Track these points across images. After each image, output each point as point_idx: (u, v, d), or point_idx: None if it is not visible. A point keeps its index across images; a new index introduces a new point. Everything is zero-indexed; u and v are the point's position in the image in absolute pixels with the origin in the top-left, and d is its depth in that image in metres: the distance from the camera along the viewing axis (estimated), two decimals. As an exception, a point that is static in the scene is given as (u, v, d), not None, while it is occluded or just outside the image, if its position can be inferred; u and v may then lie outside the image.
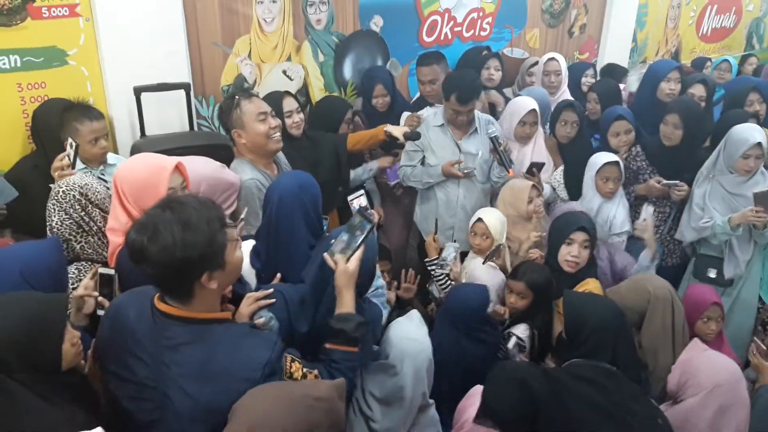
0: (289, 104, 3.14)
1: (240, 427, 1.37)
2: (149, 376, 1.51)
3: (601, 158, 3.32)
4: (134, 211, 2.03)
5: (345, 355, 1.75)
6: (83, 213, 2.18)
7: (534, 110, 3.58)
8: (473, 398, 2.07)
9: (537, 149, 3.67)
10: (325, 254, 1.85)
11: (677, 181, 3.32)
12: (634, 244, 3.32)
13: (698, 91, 3.96)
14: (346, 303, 1.79)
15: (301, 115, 3.20)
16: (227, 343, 1.53)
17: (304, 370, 1.62)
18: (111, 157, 2.82)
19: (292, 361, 1.61)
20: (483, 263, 3.02)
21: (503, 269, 3.02)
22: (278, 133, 2.71)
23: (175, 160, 2.13)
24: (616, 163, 3.28)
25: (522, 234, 3.18)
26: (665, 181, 3.34)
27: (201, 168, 2.35)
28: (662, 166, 3.45)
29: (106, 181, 2.70)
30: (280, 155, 2.92)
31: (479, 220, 3.12)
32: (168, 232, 1.43)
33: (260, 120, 2.64)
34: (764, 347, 2.66)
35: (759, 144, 3.09)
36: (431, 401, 2.23)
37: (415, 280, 3.06)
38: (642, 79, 4.39)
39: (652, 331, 2.52)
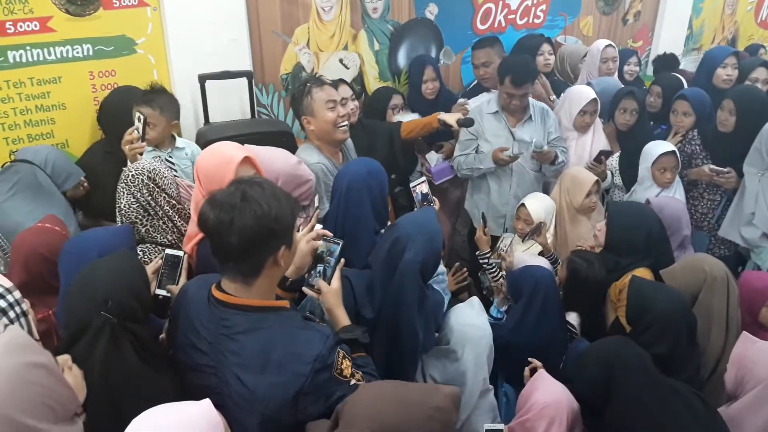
0: (343, 91, 3.17)
1: (360, 428, 1.35)
2: (209, 363, 1.55)
3: (657, 148, 3.28)
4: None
5: (364, 360, 1.78)
6: (149, 197, 2.26)
7: (595, 99, 3.56)
8: (538, 383, 2.09)
9: (596, 138, 3.66)
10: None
11: (726, 168, 3.26)
12: (694, 234, 3.29)
13: (761, 74, 3.85)
14: (340, 320, 1.85)
15: (356, 103, 3.25)
16: (282, 334, 1.53)
17: (353, 369, 1.62)
18: (179, 141, 2.92)
19: (344, 357, 1.59)
20: (522, 241, 3.07)
21: (544, 246, 3.03)
22: (346, 123, 2.75)
23: (244, 152, 2.15)
24: (673, 152, 3.24)
25: (575, 227, 3.17)
26: (715, 167, 3.28)
27: (281, 163, 2.37)
28: (715, 152, 3.39)
29: (173, 164, 2.81)
30: (348, 143, 2.96)
31: (522, 205, 3.16)
32: (259, 202, 1.47)
33: (329, 108, 2.67)
34: None
35: None
36: (490, 387, 2.26)
37: (462, 272, 3.08)
38: (698, 66, 4.32)
39: (706, 312, 2.43)
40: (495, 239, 3.21)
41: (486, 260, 3.08)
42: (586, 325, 2.68)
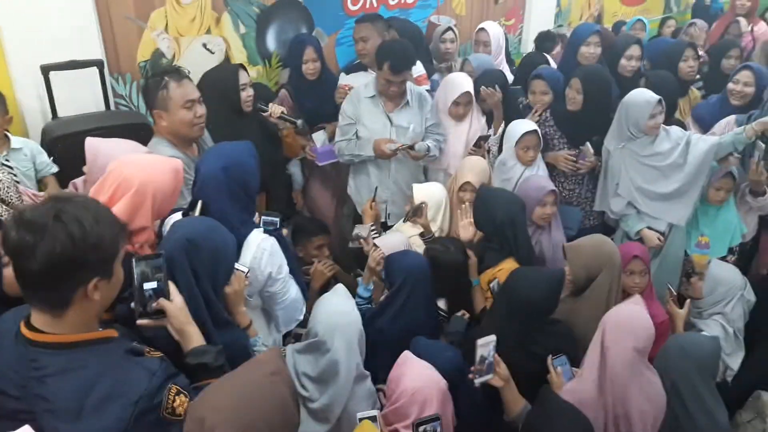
0: (244, 77, 3.03)
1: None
2: (24, 409, 1.36)
3: (519, 128, 3.30)
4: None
5: None
6: None
7: (468, 92, 3.53)
8: (405, 367, 2.08)
9: (474, 125, 3.65)
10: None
11: (582, 151, 3.39)
12: (565, 210, 3.40)
13: (634, 51, 3.98)
14: (192, 339, 1.66)
15: (251, 90, 3.08)
16: (100, 374, 1.36)
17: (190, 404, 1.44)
18: (17, 141, 2.66)
19: (178, 393, 1.43)
20: (404, 221, 3.04)
21: (425, 228, 3.00)
22: (203, 122, 2.58)
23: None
24: (535, 131, 3.28)
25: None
26: (568, 156, 3.40)
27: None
28: (568, 131, 3.49)
29: (11, 168, 2.54)
30: (205, 136, 2.79)
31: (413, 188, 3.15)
32: (78, 221, 1.30)
33: (186, 107, 2.50)
34: (674, 293, 2.80)
35: (659, 101, 3.16)
36: (367, 372, 2.24)
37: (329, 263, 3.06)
38: (566, 44, 4.46)
39: (598, 291, 2.58)
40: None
41: (373, 233, 3.03)
42: (453, 309, 2.71)
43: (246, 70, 3.09)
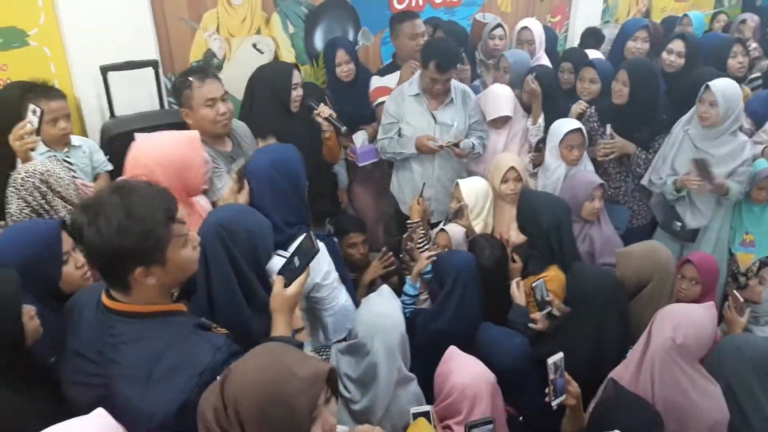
0: (296, 77, 3.11)
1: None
2: (99, 373, 1.45)
3: (562, 127, 3.27)
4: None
5: None
6: (43, 201, 2.11)
7: (506, 116, 3.56)
8: (452, 363, 2.09)
9: (513, 128, 3.66)
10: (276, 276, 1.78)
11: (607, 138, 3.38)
12: (612, 208, 3.37)
13: (677, 46, 3.90)
14: (279, 327, 1.72)
15: (302, 90, 3.16)
16: (169, 344, 1.44)
17: None
18: (75, 139, 2.75)
19: None
20: (444, 224, 3.03)
21: (468, 229, 3.00)
22: (226, 119, 2.66)
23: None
24: (579, 129, 3.26)
25: (500, 213, 3.18)
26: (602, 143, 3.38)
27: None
28: (614, 126, 3.45)
29: (71, 164, 2.65)
30: (240, 129, 2.89)
31: (456, 184, 3.16)
32: (107, 217, 1.37)
33: (208, 105, 2.60)
34: (741, 299, 2.68)
35: (708, 88, 3.11)
36: (411, 376, 2.21)
37: (388, 256, 3.08)
38: (614, 39, 4.41)
39: (647, 300, 2.56)
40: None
41: (424, 240, 3.07)
42: (488, 308, 2.66)
43: (299, 70, 3.16)
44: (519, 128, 3.67)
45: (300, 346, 1.74)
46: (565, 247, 2.82)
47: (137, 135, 2.39)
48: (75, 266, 1.77)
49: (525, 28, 4.28)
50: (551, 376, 2.05)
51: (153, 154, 2.14)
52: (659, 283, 2.55)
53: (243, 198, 2.19)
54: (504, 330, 2.45)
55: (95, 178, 2.77)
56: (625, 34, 4.13)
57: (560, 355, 2.10)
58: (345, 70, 3.63)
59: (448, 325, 2.46)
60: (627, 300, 2.57)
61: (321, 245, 2.14)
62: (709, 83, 3.11)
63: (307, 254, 1.76)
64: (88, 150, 2.75)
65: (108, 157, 2.84)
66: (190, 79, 2.62)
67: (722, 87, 3.10)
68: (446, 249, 2.86)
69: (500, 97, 3.60)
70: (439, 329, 2.44)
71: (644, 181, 3.44)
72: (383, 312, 2.16)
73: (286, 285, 1.73)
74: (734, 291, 2.75)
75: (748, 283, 2.86)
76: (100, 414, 1.22)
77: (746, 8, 6.34)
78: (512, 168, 3.06)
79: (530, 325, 2.56)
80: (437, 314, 2.53)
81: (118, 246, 1.37)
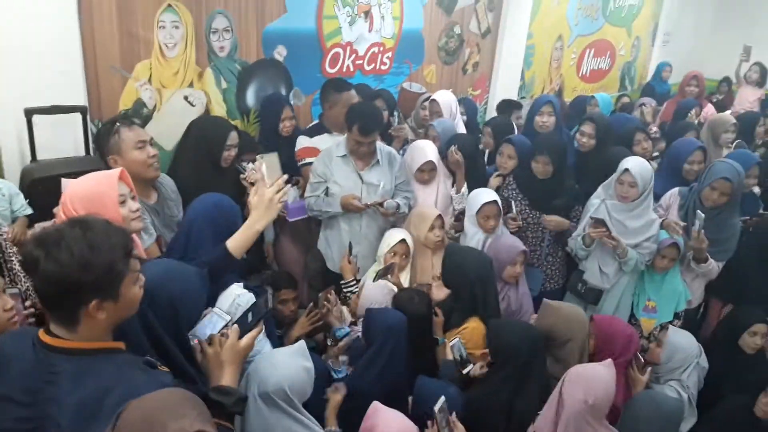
0: (232, 139, 3.24)
1: None
2: (30, 416, 1.40)
3: (479, 198, 3.44)
4: None
5: (220, 430, 1.61)
6: None
7: (430, 161, 3.67)
8: (375, 418, 2.10)
9: (441, 189, 3.80)
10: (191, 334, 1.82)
11: (513, 213, 3.62)
12: (527, 271, 3.54)
13: (588, 129, 4.22)
14: (226, 377, 1.73)
15: (236, 150, 3.26)
16: (117, 379, 1.42)
17: None
18: None
19: None
20: (374, 281, 3.08)
21: (398, 285, 3.07)
22: (156, 162, 2.70)
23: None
24: (495, 201, 3.43)
25: (423, 261, 3.29)
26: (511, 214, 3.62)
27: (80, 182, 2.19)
28: (532, 195, 3.73)
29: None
30: (166, 181, 2.91)
31: (402, 240, 3.23)
32: (69, 249, 1.37)
33: (138, 148, 2.62)
34: (642, 360, 2.87)
35: (627, 170, 3.38)
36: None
37: (315, 313, 3.08)
38: (527, 114, 4.75)
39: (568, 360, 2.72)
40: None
41: (350, 289, 3.10)
42: (415, 362, 2.71)
43: (238, 131, 3.24)
44: (444, 189, 3.82)
45: (243, 399, 1.76)
46: (489, 299, 2.94)
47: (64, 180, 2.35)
48: (2, 309, 1.71)
49: (433, 100, 4.41)
50: (440, 420, 2.22)
51: (69, 190, 2.11)
52: (577, 342, 2.72)
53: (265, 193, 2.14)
54: (438, 382, 2.53)
55: (13, 221, 2.67)
56: (533, 110, 4.49)
57: (442, 398, 2.27)
58: (288, 125, 3.78)
59: (372, 388, 2.46)
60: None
61: (249, 295, 2.18)
62: (628, 166, 3.38)
63: (260, 312, 1.86)
64: (7, 193, 2.65)
65: (28, 201, 2.75)
66: (118, 124, 2.64)
67: (639, 169, 3.37)
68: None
69: (424, 147, 3.75)
70: (362, 392, 2.43)
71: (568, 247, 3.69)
72: (274, 362, 2.05)
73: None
74: (636, 353, 2.92)
75: (649, 346, 3.07)
76: None
77: (644, 94, 6.98)
78: (439, 216, 3.26)
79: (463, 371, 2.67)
80: (361, 375, 2.55)
81: (77, 278, 1.36)
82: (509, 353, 2.59)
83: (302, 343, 2.27)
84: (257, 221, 2.14)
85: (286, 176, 2.14)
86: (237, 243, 2.13)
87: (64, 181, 2.42)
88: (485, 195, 3.45)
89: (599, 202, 3.52)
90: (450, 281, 2.98)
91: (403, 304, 2.77)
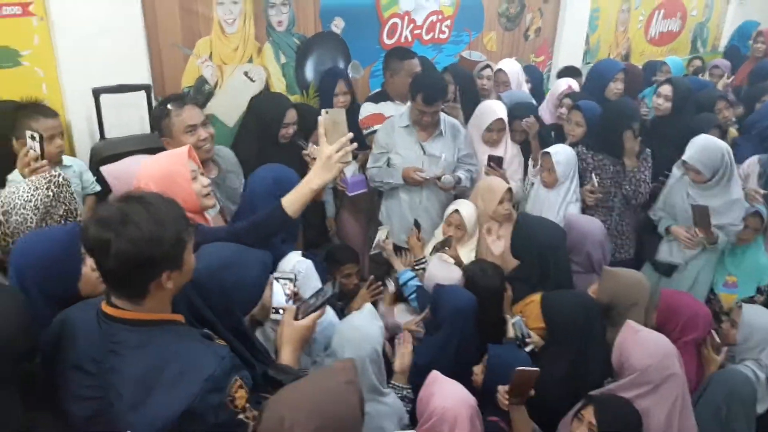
0: (290, 117, 3.25)
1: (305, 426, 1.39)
2: (96, 384, 1.44)
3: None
4: None
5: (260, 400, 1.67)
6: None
7: (500, 119, 3.62)
8: (434, 386, 2.10)
9: (508, 151, 3.73)
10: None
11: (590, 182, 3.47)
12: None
13: (665, 90, 4.01)
14: (284, 356, 1.80)
15: (296, 127, 3.27)
16: (175, 350, 1.44)
17: (248, 404, 1.49)
18: (67, 159, 2.75)
19: (241, 387, 1.48)
20: (430, 254, 3.06)
21: (457, 261, 3.03)
22: (208, 144, 2.65)
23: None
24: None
25: (488, 233, 3.22)
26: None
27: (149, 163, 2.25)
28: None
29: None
30: (225, 155, 2.90)
31: (456, 211, 3.18)
32: (139, 226, 1.38)
33: (188, 132, 2.58)
34: (718, 341, 2.73)
35: (685, 162, 3.27)
36: (384, 390, 2.26)
37: (377, 285, 3.11)
38: (586, 79, 4.55)
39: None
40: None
41: (422, 266, 3.07)
42: (483, 337, 2.67)
43: (296, 109, 3.24)
44: (513, 153, 3.75)
45: (298, 376, 1.75)
46: (560, 271, 2.86)
47: (108, 170, 2.48)
48: (91, 268, 1.73)
49: (500, 70, 4.36)
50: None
51: (142, 171, 2.15)
52: (641, 306, 2.62)
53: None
54: (508, 347, 2.53)
55: (83, 199, 2.75)
56: (604, 76, 4.30)
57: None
58: (342, 100, 3.73)
59: (449, 362, 2.46)
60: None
61: (307, 262, 2.27)
62: (685, 158, 3.25)
63: (326, 296, 1.86)
64: (78, 170, 2.73)
65: (96, 178, 2.82)
66: (169, 107, 2.60)
67: (699, 156, 3.22)
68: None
69: (492, 106, 3.70)
70: (439, 364, 2.39)
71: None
72: (356, 325, 2.23)
73: (296, 318, 1.83)
74: (712, 331, 2.79)
75: (721, 327, 2.91)
76: None
77: (728, 55, 6.55)
78: (509, 189, 3.20)
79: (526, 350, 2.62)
80: (433, 353, 2.53)
81: (150, 254, 1.38)
82: (564, 325, 2.52)
83: (370, 305, 2.40)
84: (313, 179, 2.03)
85: (351, 134, 2.00)
86: (291, 200, 2.05)
87: (103, 169, 2.55)
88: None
89: (679, 174, 3.40)
90: (519, 253, 2.90)
91: (474, 277, 2.72)
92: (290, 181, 2.26)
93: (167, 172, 2.11)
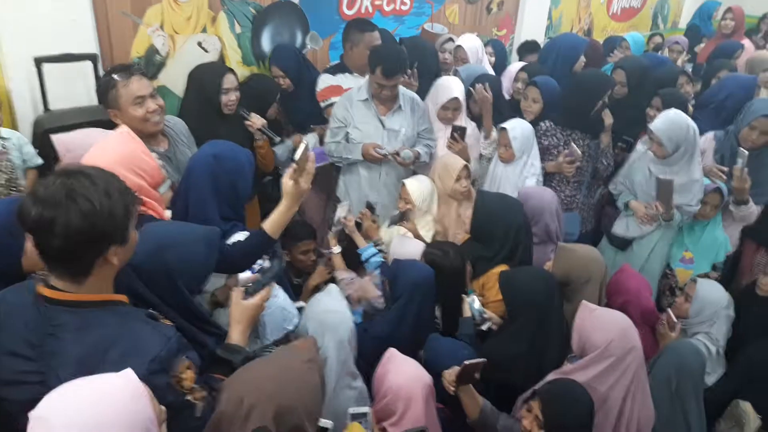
0: (229, 82, 3.09)
1: (261, 413, 1.37)
2: (34, 370, 1.38)
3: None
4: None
5: (214, 382, 1.66)
6: None
7: (456, 98, 3.56)
8: (390, 364, 2.10)
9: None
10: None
11: (570, 150, 3.44)
12: (565, 215, 3.42)
13: (619, 76, 4.12)
14: (233, 337, 1.82)
15: (237, 94, 3.14)
16: (118, 332, 1.40)
17: (195, 385, 1.47)
18: (5, 131, 2.66)
19: (188, 368, 1.45)
20: (387, 226, 3.06)
21: (414, 232, 3.02)
22: (157, 116, 2.55)
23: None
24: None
25: (448, 212, 3.20)
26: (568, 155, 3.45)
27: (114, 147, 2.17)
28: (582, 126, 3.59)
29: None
30: (178, 127, 2.80)
31: (403, 184, 3.17)
32: (89, 199, 1.33)
33: (136, 103, 2.47)
34: (674, 320, 2.77)
35: (651, 131, 3.25)
36: (356, 372, 2.25)
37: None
38: (547, 53, 4.54)
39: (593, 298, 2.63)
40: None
41: (380, 247, 3.05)
42: (445, 317, 2.70)
43: (235, 74, 3.12)
44: (469, 134, 3.69)
45: (251, 357, 1.77)
46: (521, 246, 2.85)
47: (60, 139, 2.44)
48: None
49: (459, 46, 4.31)
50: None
51: (102, 163, 2.01)
52: (596, 282, 2.63)
53: (304, 184, 2.03)
54: (452, 342, 2.46)
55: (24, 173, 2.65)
56: (577, 50, 4.36)
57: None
58: (282, 83, 3.64)
59: (405, 335, 2.46)
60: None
61: None
62: (651, 126, 3.25)
63: (272, 272, 1.94)
64: (17, 143, 2.63)
65: (38, 151, 2.71)
66: (115, 77, 2.48)
67: (665, 127, 3.20)
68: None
69: (449, 84, 3.64)
70: (395, 336, 2.43)
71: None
72: (331, 308, 2.22)
73: (245, 298, 1.86)
74: (668, 310, 2.85)
75: (675, 300, 2.96)
76: (129, 374, 1.21)
77: (688, 34, 6.60)
78: (465, 166, 3.17)
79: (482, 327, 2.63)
80: (385, 323, 2.52)
81: (102, 227, 1.35)
82: (522, 301, 2.51)
83: (334, 285, 2.41)
84: (291, 207, 2.04)
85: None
86: (274, 227, 2.04)
87: (54, 137, 2.47)
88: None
89: (642, 149, 3.42)
90: (480, 230, 2.88)
91: (436, 260, 2.68)
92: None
93: (128, 153, 2.08)
